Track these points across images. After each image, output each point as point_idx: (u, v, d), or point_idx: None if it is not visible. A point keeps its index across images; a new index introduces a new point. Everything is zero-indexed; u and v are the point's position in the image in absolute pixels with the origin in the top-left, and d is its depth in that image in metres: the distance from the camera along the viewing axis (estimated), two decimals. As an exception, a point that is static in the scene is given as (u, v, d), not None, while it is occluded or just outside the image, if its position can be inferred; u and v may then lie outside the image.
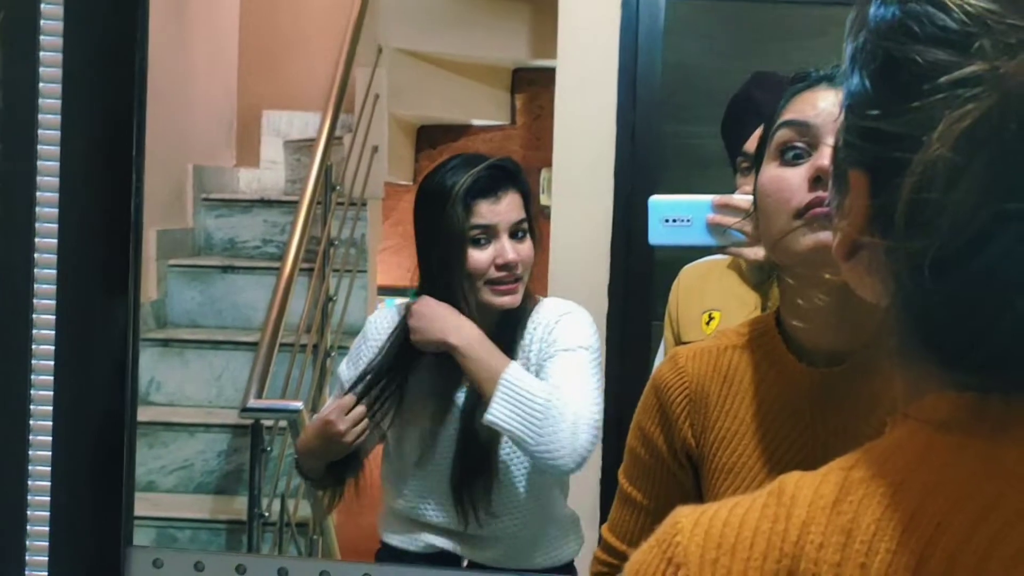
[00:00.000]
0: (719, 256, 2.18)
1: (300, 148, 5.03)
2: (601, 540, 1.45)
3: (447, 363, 2.11)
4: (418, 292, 2.20)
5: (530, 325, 2.16)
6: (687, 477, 1.36)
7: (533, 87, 4.76)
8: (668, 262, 2.64)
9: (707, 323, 2.16)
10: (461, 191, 2.13)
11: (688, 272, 2.30)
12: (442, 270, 2.14)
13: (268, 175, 5.24)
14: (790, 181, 1.26)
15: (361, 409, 2.15)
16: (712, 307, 2.16)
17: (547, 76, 3.32)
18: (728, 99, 2.30)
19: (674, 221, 2.17)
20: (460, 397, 2.14)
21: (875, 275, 0.71)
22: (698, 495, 1.35)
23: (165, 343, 4.30)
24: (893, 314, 0.70)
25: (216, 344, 4.27)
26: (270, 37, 5.27)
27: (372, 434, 2.20)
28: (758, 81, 2.28)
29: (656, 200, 2.14)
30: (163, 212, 4.53)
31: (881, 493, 0.64)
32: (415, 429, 2.17)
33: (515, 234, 2.14)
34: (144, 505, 3.93)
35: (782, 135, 1.28)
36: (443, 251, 2.14)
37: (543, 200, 4.09)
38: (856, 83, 0.72)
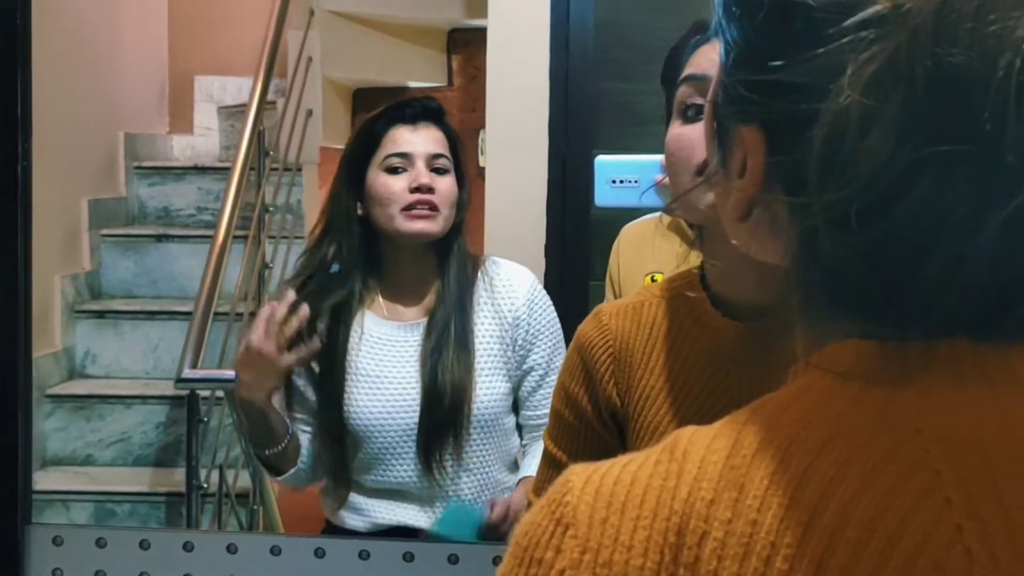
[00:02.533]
0: (659, 214, 2.14)
1: (234, 114, 4.96)
2: (527, 504, 1.43)
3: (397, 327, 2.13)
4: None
5: (493, 280, 2.16)
6: (612, 437, 1.34)
7: (469, 48, 4.71)
8: (605, 221, 2.62)
9: (651, 284, 2.13)
10: (379, 118, 2.16)
11: (628, 232, 2.26)
12: (346, 205, 2.14)
13: (202, 142, 5.17)
14: (691, 138, 1.23)
15: (303, 310, 2.07)
16: (655, 269, 2.13)
17: (483, 36, 3.27)
18: (666, 52, 2.25)
19: (621, 182, 2.13)
20: (415, 346, 2.12)
21: (775, 234, 0.67)
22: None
23: (100, 315, 4.24)
24: (797, 271, 0.67)
25: (152, 315, 4.22)
26: (200, 1, 5.19)
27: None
28: (698, 31, 2.24)
29: (602, 160, 2.10)
30: (95, 181, 4.46)
31: (775, 447, 0.62)
32: (369, 388, 2.12)
33: (435, 168, 2.13)
34: (82, 480, 3.88)
35: (683, 92, 1.26)
36: (345, 182, 2.15)
37: (480, 161, 4.06)
38: (738, 35, 0.68)
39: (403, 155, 2.12)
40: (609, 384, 1.32)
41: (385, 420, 2.09)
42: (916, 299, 0.61)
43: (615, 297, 2.20)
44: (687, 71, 1.27)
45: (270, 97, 4.23)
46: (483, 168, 3.36)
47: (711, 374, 1.27)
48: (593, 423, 1.34)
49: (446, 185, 2.13)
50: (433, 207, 2.10)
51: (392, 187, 2.10)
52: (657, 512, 0.62)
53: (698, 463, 0.63)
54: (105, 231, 4.41)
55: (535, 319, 2.17)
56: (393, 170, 2.12)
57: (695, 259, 1.35)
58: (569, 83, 2.93)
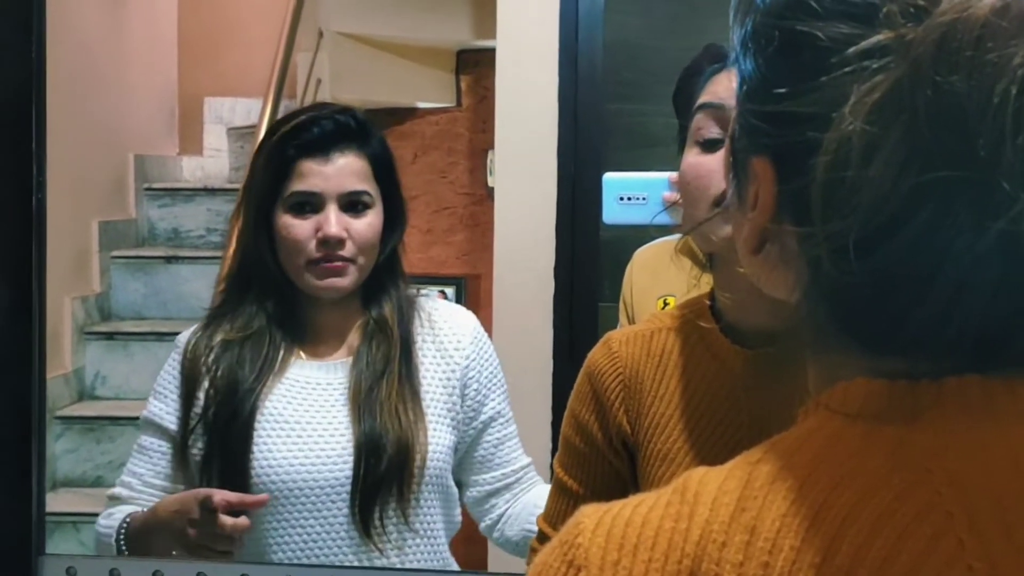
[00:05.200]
0: (671, 237, 2.14)
1: (244, 135, 4.97)
2: (538, 531, 1.42)
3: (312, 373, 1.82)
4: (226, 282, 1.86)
5: (432, 316, 1.88)
6: (623, 465, 1.33)
7: (478, 68, 4.71)
8: (615, 242, 2.61)
9: (663, 309, 2.12)
10: (279, 142, 1.79)
11: (641, 255, 2.25)
12: (254, 245, 1.80)
13: (211, 163, 5.19)
14: (707, 167, 1.23)
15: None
16: (667, 292, 2.12)
17: (491, 57, 3.28)
18: (674, 73, 2.25)
19: (629, 199, 2.12)
20: (341, 389, 1.81)
21: (786, 266, 0.68)
22: (634, 483, 1.32)
23: (110, 336, 4.24)
24: (807, 304, 0.67)
25: (161, 336, 4.22)
26: (210, 23, 5.22)
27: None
28: (711, 53, 2.25)
29: (610, 178, 2.09)
30: (104, 203, 4.47)
31: (787, 488, 0.62)
32: (284, 434, 1.77)
33: (351, 206, 1.78)
34: (91, 501, 3.87)
35: (698, 120, 1.26)
36: (253, 219, 1.80)
37: (489, 182, 4.06)
38: (751, 69, 0.69)
39: (310, 194, 1.77)
40: (619, 411, 1.32)
41: (307, 473, 1.74)
42: (920, 327, 0.62)
43: (628, 320, 2.20)
44: (703, 99, 1.26)
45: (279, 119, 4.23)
46: (492, 188, 3.36)
47: (721, 401, 1.27)
48: (604, 450, 1.34)
49: (363, 227, 1.78)
50: (344, 259, 1.77)
51: (297, 233, 1.76)
52: (669, 555, 0.62)
53: (709, 505, 0.63)
54: (115, 253, 4.42)
55: (486, 364, 1.89)
56: (299, 210, 1.77)
57: (707, 283, 1.35)
58: (578, 104, 2.93)
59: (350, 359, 1.82)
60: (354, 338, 1.84)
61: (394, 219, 1.84)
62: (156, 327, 4.28)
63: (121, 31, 4.70)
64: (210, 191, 4.77)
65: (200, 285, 4.26)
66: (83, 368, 4.19)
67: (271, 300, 1.81)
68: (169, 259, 4.48)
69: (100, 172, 4.46)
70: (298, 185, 1.77)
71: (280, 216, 1.78)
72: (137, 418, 3.99)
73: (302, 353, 1.83)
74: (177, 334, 4.09)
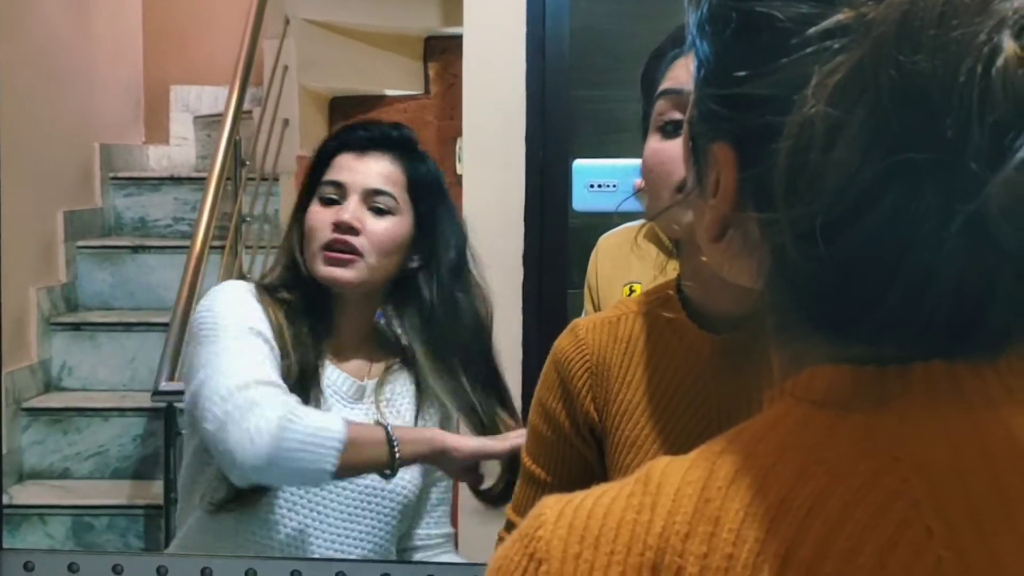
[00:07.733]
0: (636, 223, 2.13)
1: (210, 123, 4.95)
2: (506, 520, 1.41)
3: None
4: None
5: None
6: (591, 452, 1.32)
7: (446, 55, 4.69)
8: (584, 230, 2.60)
9: (629, 295, 2.11)
10: (331, 140, 1.90)
11: (606, 242, 2.24)
12: (293, 237, 1.85)
13: (178, 151, 5.15)
14: (669, 154, 1.22)
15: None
16: (634, 279, 2.11)
17: (459, 44, 3.26)
18: (643, 58, 2.23)
19: (599, 186, 2.11)
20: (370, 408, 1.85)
21: (749, 253, 0.67)
22: (603, 470, 1.31)
23: (76, 327, 4.22)
24: (771, 292, 0.66)
25: (129, 326, 4.20)
26: (175, 10, 5.18)
27: None
28: (677, 39, 2.23)
29: (580, 164, 2.08)
30: (70, 192, 4.43)
31: (751, 478, 0.60)
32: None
33: (373, 206, 1.81)
34: (58, 493, 3.86)
35: (660, 106, 1.25)
36: (296, 214, 1.87)
37: (458, 169, 4.05)
38: (708, 52, 0.68)
39: (337, 185, 1.82)
40: (587, 399, 1.31)
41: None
42: (888, 314, 0.60)
43: (594, 308, 2.18)
44: (664, 85, 1.26)
45: (246, 106, 4.22)
46: (460, 176, 3.35)
47: (688, 386, 1.26)
48: (571, 438, 1.33)
49: (380, 228, 1.80)
50: (353, 251, 1.78)
51: (317, 219, 1.81)
52: (631, 547, 0.61)
53: (672, 495, 0.61)
54: (81, 243, 4.39)
55: None
56: (327, 201, 1.82)
57: (673, 269, 1.34)
58: (546, 90, 2.92)
59: (373, 382, 1.86)
60: (378, 367, 1.88)
61: (424, 233, 1.85)
62: (123, 317, 4.26)
63: (86, 19, 4.66)
64: (176, 180, 4.75)
65: (167, 274, 4.23)
66: (49, 359, 4.16)
67: (301, 299, 1.81)
68: (136, 248, 4.45)
69: (65, 161, 4.42)
70: (329, 175, 1.83)
71: (311, 206, 1.84)
72: (104, 409, 3.98)
73: (338, 361, 1.85)
74: (144, 324, 4.00)
